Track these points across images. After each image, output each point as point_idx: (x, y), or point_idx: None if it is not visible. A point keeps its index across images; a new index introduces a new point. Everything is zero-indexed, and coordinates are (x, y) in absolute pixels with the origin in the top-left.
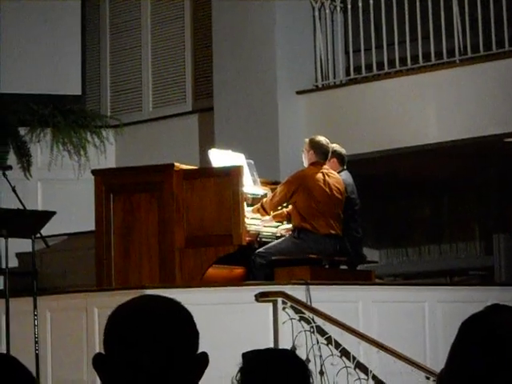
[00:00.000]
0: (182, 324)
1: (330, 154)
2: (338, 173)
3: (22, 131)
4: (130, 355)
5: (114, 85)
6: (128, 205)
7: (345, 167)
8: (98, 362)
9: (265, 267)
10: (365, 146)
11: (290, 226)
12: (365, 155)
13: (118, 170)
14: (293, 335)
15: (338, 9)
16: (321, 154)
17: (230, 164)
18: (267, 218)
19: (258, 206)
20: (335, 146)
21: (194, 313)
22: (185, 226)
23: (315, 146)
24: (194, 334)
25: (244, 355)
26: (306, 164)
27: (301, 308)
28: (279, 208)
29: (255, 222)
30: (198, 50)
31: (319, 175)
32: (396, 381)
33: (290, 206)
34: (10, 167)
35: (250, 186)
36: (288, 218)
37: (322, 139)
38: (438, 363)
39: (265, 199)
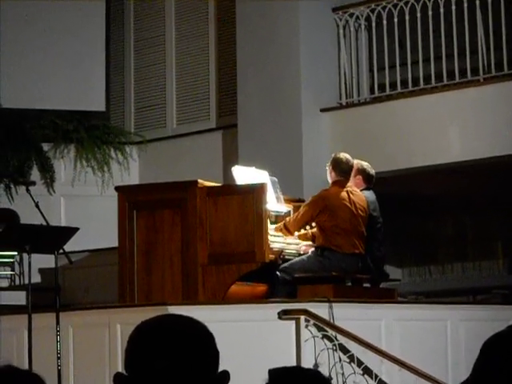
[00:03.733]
0: (203, 343)
1: (352, 172)
2: (362, 190)
3: (46, 147)
4: (151, 373)
5: (138, 101)
6: (151, 221)
7: (371, 186)
8: (119, 380)
9: (288, 284)
10: (389, 164)
11: (311, 242)
12: (388, 173)
13: (141, 187)
14: (315, 353)
15: (363, 27)
16: (340, 171)
17: (254, 181)
18: (291, 238)
19: (281, 225)
20: (364, 165)
21: (217, 330)
22: (208, 243)
23: (335, 164)
24: (215, 354)
25: (270, 372)
26: (329, 180)
27: (323, 326)
28: (304, 228)
29: (278, 240)
30: (222, 66)
31: (344, 194)
32: None
33: (315, 227)
34: (34, 183)
35: (274, 203)
36: (313, 238)
37: (342, 157)
38: (460, 382)
39: (287, 218)
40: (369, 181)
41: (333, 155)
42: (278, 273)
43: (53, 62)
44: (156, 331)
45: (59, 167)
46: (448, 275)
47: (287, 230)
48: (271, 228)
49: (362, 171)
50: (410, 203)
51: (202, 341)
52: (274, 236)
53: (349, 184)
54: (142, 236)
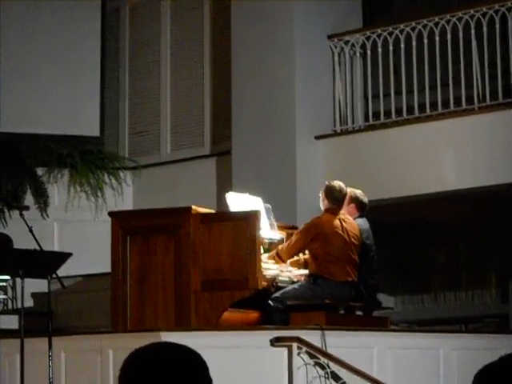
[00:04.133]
0: (196, 372)
1: (345, 199)
2: (355, 219)
3: (40, 171)
4: None
5: (132, 126)
6: (145, 247)
7: (364, 214)
8: None
9: (281, 312)
10: (382, 192)
11: (305, 271)
12: (382, 201)
13: (135, 213)
14: (307, 380)
15: (358, 54)
16: (333, 199)
17: (248, 208)
18: (284, 265)
19: (274, 253)
20: (357, 193)
21: (209, 356)
22: (201, 270)
23: (328, 192)
24: (208, 382)
25: None
26: (322, 208)
27: (316, 353)
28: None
29: (271, 267)
30: (216, 93)
31: (336, 221)
32: None
33: (307, 253)
34: (27, 207)
35: (267, 230)
36: (305, 265)
37: (335, 185)
38: None
39: (280, 246)
40: (362, 209)
41: (326, 183)
42: (270, 302)
43: (47, 86)
44: (149, 359)
45: (53, 192)
46: (441, 304)
47: (280, 258)
48: (264, 256)
49: (355, 199)
50: (403, 231)
51: (195, 369)
52: (267, 263)
53: (342, 212)
54: (136, 262)
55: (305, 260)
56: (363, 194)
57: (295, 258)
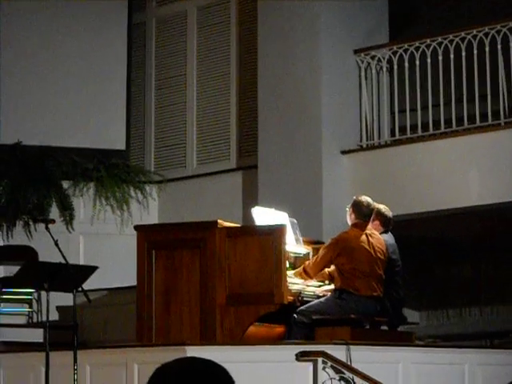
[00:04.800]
0: None
1: (372, 215)
2: (381, 233)
3: (65, 185)
4: None
5: (158, 140)
6: (170, 261)
7: (389, 229)
8: None
9: (306, 326)
10: (408, 207)
11: (330, 286)
12: (408, 216)
13: (160, 226)
14: None
15: (384, 69)
16: (360, 214)
17: (273, 222)
18: (310, 281)
19: (301, 270)
20: (381, 208)
21: (235, 371)
22: (227, 284)
23: (356, 207)
24: None
25: None
26: (349, 222)
27: (341, 368)
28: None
29: (297, 281)
30: (243, 107)
31: (363, 237)
32: None
33: (332, 267)
34: (53, 221)
35: (293, 244)
36: (330, 278)
37: (363, 200)
38: None
39: (307, 263)
40: (386, 224)
41: (354, 197)
42: (295, 315)
43: (74, 100)
44: (176, 375)
45: (78, 205)
46: (466, 319)
47: (307, 274)
48: (290, 274)
49: (379, 214)
50: (429, 246)
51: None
52: (291, 278)
53: (368, 227)
54: (161, 275)
55: (329, 273)
56: (388, 209)
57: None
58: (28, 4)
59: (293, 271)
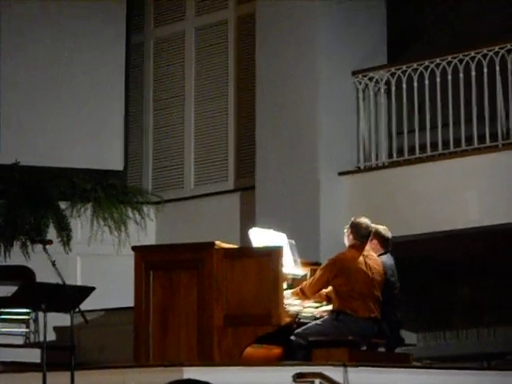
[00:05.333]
0: None
1: (370, 236)
2: (380, 255)
3: (63, 205)
4: None
5: (156, 161)
6: (167, 282)
7: (388, 250)
8: None
9: (303, 348)
10: (405, 229)
11: (328, 307)
12: (406, 237)
13: (158, 247)
14: None
15: (382, 90)
16: (359, 236)
17: (271, 244)
18: (307, 302)
19: (298, 290)
20: (380, 229)
21: None
22: (224, 305)
23: (354, 228)
24: None
25: None
26: (346, 244)
27: None
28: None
29: (294, 303)
30: (240, 128)
31: (360, 258)
32: None
33: (329, 288)
34: (51, 241)
35: (291, 266)
36: (327, 299)
37: (362, 222)
38: None
39: (304, 283)
40: (385, 245)
41: (352, 219)
42: (292, 337)
43: (72, 120)
44: None
45: (76, 226)
46: (463, 340)
47: (304, 294)
48: (287, 294)
49: (377, 235)
50: (426, 268)
51: None
52: (290, 299)
53: (366, 248)
54: (158, 296)
55: (326, 294)
56: (387, 229)
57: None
58: (26, 25)
59: (289, 291)
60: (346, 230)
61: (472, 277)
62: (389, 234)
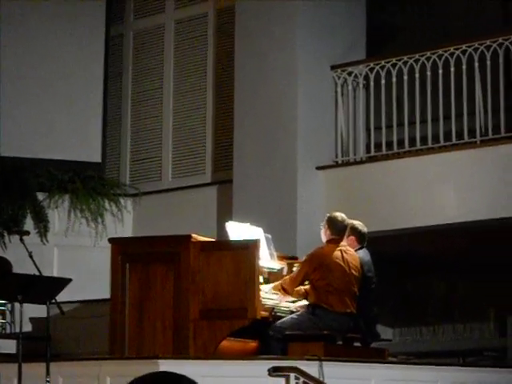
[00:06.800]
0: None
1: (346, 231)
2: (356, 250)
3: (41, 196)
4: None
5: (133, 153)
6: (144, 274)
7: (364, 245)
8: None
9: (279, 341)
10: (382, 224)
11: (305, 302)
12: (383, 233)
13: (135, 239)
14: None
15: (361, 85)
16: (336, 231)
17: (248, 237)
18: (288, 297)
19: (279, 285)
20: (356, 224)
21: None
22: (200, 298)
23: (330, 223)
24: None
25: None
26: (323, 239)
27: None
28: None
29: (271, 297)
30: (219, 121)
31: (337, 253)
32: None
33: (308, 284)
34: (28, 232)
35: (267, 259)
36: (306, 295)
37: (338, 216)
38: None
39: (284, 279)
40: (362, 240)
41: (328, 214)
42: (269, 331)
43: (49, 111)
44: None
45: (53, 217)
46: (439, 336)
47: (285, 290)
48: (268, 289)
49: (354, 230)
50: (403, 263)
51: None
52: (266, 293)
53: (343, 243)
54: (135, 289)
55: (305, 290)
56: (362, 224)
57: (296, 288)
58: (4, 15)
59: (270, 286)
60: (322, 226)
61: (448, 273)
62: (365, 229)
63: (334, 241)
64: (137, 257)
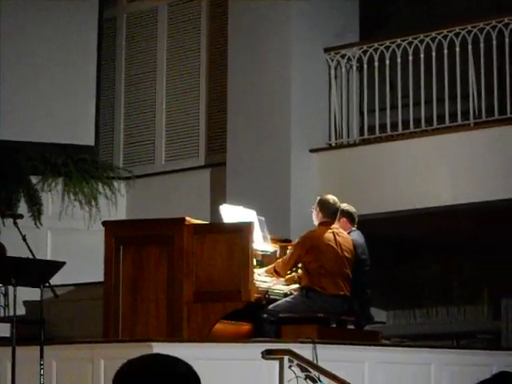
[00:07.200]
0: (187, 383)
1: (338, 213)
2: (349, 233)
3: (34, 180)
4: None
5: (127, 136)
6: (137, 257)
7: (355, 227)
8: None
9: (273, 324)
10: (376, 206)
11: (298, 285)
12: (376, 215)
13: (128, 222)
14: None
15: (354, 68)
16: (328, 213)
17: (241, 220)
18: (281, 280)
19: (271, 269)
20: (345, 206)
21: (200, 368)
22: (194, 281)
23: (322, 205)
24: None
25: None
26: (315, 222)
27: (307, 366)
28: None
29: (264, 279)
30: (212, 104)
31: (330, 235)
32: None
33: (300, 270)
34: (21, 216)
35: (260, 242)
36: (299, 281)
37: (329, 198)
38: None
39: (277, 262)
40: (353, 221)
41: (318, 197)
42: (262, 314)
43: (44, 95)
44: (141, 371)
45: (47, 200)
46: (433, 319)
47: (277, 273)
48: (261, 272)
49: (345, 213)
50: (396, 246)
51: (186, 381)
52: (260, 275)
53: (335, 226)
54: (128, 271)
55: (298, 277)
56: (351, 206)
57: (289, 274)
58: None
59: (263, 269)
60: (313, 209)
61: (442, 255)
62: (354, 210)
63: (326, 223)
64: (130, 240)
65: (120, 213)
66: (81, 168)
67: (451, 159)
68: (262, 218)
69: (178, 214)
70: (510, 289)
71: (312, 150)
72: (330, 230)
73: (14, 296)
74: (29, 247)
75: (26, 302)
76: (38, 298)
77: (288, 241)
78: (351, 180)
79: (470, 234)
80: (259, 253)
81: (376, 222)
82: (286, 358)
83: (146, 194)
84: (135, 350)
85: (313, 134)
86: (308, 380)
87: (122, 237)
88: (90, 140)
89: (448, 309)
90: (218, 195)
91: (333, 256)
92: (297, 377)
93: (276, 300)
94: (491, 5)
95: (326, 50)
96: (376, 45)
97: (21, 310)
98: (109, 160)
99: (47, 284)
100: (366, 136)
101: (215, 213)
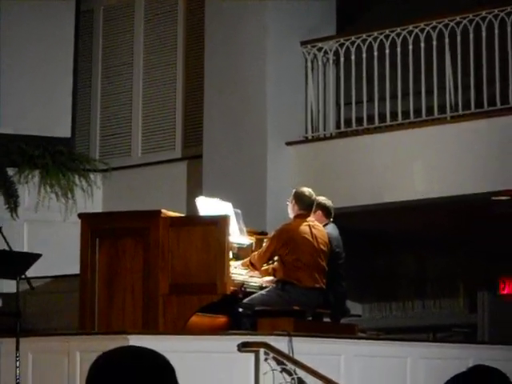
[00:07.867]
0: (164, 377)
1: (314, 206)
2: (324, 225)
3: (11, 171)
4: None
5: (103, 129)
6: (113, 249)
7: (331, 220)
8: None
9: (249, 317)
10: (352, 200)
11: (273, 278)
12: (352, 208)
13: (104, 215)
14: None
15: (331, 61)
16: (304, 205)
17: (217, 213)
18: (256, 273)
19: (247, 261)
20: (321, 199)
21: (176, 360)
22: (169, 273)
23: (298, 198)
24: None
25: None
26: (291, 215)
27: (283, 359)
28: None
29: (240, 272)
30: (189, 97)
31: (305, 228)
32: None
33: (276, 263)
34: None
35: (237, 235)
36: (274, 274)
37: (305, 191)
38: None
39: (253, 254)
40: (329, 214)
41: (294, 190)
42: (237, 307)
43: (20, 86)
44: (116, 363)
45: (23, 192)
46: (409, 312)
47: (253, 266)
48: (237, 264)
49: (320, 205)
50: (372, 239)
51: (162, 373)
52: (236, 268)
53: (310, 218)
54: (104, 264)
55: (273, 269)
56: (327, 199)
57: (264, 267)
58: None
59: (239, 262)
60: (289, 202)
61: (418, 249)
62: (330, 203)
63: (302, 216)
64: (106, 232)
65: (96, 205)
66: (57, 160)
67: (427, 152)
68: (238, 211)
69: (154, 206)
70: (485, 282)
71: (288, 143)
72: (305, 223)
73: None
74: (5, 239)
75: (1, 294)
76: (14, 290)
77: (264, 233)
78: (327, 173)
79: (446, 227)
80: (235, 245)
81: (352, 215)
82: (261, 350)
83: (122, 186)
84: (111, 343)
85: (289, 127)
86: (284, 373)
87: (97, 229)
88: (66, 132)
89: (424, 302)
90: (195, 188)
91: (309, 249)
92: (273, 370)
93: (252, 293)
94: None
95: (303, 43)
96: (353, 38)
97: None
98: (85, 152)
99: (23, 276)
100: (342, 129)
101: (191, 205)
